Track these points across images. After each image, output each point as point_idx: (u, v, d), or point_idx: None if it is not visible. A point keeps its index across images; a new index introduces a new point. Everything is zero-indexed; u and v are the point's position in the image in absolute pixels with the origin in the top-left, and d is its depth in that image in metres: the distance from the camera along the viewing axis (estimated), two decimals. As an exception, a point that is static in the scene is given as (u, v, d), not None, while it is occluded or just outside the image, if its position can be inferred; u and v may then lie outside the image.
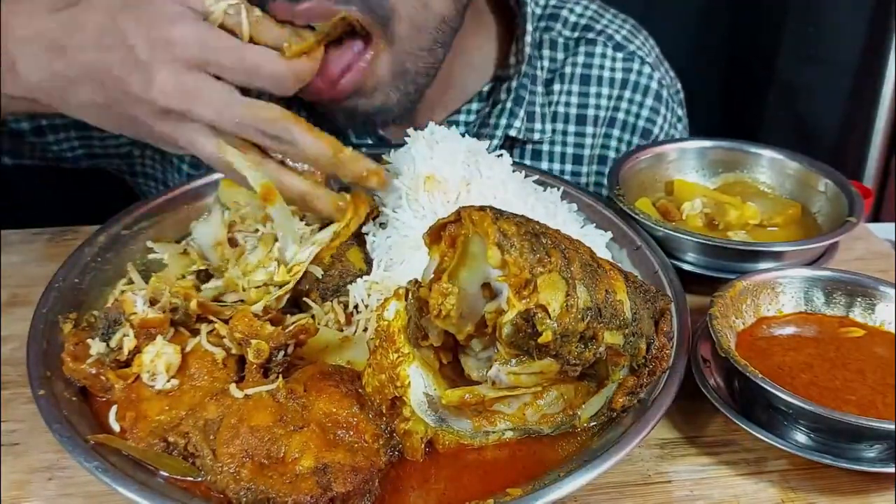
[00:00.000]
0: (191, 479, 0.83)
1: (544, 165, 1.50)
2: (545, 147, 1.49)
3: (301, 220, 1.12)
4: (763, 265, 1.14)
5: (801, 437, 0.93)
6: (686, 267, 1.18)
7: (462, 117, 1.47)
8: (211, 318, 0.99)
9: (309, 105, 1.32)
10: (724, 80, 2.56)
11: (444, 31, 1.25)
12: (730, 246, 1.18)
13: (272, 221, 1.08)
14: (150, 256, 1.16)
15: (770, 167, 1.37)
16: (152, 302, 0.97)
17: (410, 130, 1.22)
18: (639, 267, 1.15)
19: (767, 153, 1.37)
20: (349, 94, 1.21)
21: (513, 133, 1.44)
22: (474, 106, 1.48)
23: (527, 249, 0.79)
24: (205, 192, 1.26)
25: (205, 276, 1.08)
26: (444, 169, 1.14)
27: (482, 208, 0.81)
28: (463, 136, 1.39)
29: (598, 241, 1.18)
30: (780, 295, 1.06)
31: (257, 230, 1.11)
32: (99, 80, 1.00)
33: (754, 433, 0.91)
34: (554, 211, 1.19)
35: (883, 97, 2.36)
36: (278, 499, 0.78)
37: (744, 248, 1.18)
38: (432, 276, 0.85)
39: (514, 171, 1.20)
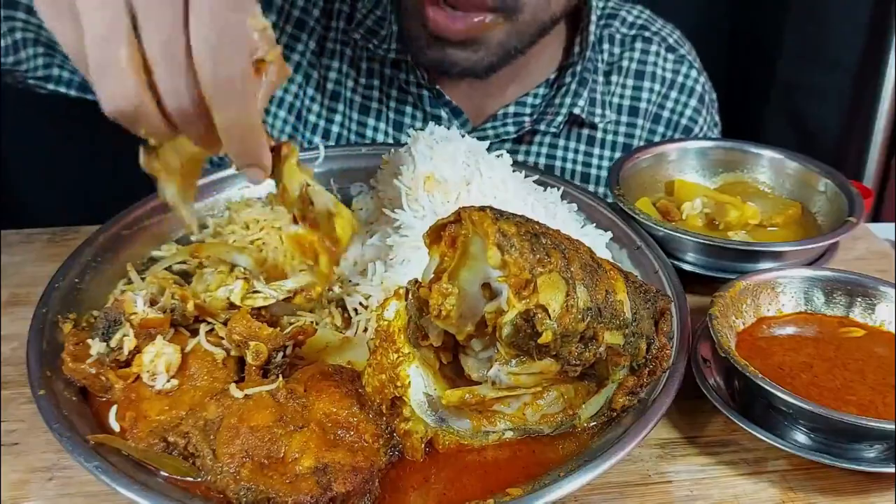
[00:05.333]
0: (191, 479, 0.83)
1: (596, 151, 1.60)
2: (599, 134, 1.59)
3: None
4: (763, 265, 1.14)
5: (801, 437, 0.93)
6: (686, 267, 1.18)
7: (529, 100, 1.57)
8: (209, 319, 0.99)
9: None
10: (725, 80, 2.56)
11: (548, 26, 1.39)
12: (730, 246, 1.18)
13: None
14: (152, 254, 1.17)
15: (770, 167, 1.37)
16: (152, 302, 0.97)
17: (411, 131, 1.22)
18: (639, 267, 1.15)
19: (767, 153, 1.38)
20: (457, 38, 1.31)
21: (577, 111, 1.54)
22: (541, 91, 1.57)
23: (527, 250, 0.79)
24: (204, 192, 1.26)
25: (183, 275, 1.09)
26: (444, 169, 1.14)
27: (482, 208, 0.81)
28: (531, 115, 1.51)
29: (598, 241, 1.18)
30: (780, 295, 1.06)
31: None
32: None
33: (754, 433, 0.91)
34: (554, 211, 1.19)
35: (883, 97, 2.36)
36: (278, 499, 0.78)
37: (744, 248, 1.18)
38: (432, 276, 0.85)
39: (514, 171, 1.20)
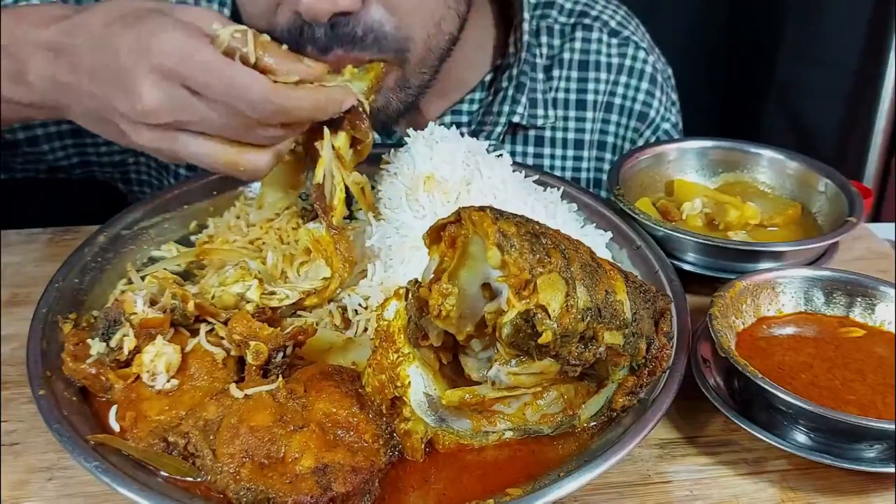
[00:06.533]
0: (191, 479, 0.83)
1: (547, 151, 1.53)
2: (547, 133, 1.52)
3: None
4: (763, 265, 1.14)
5: (801, 437, 0.93)
6: (686, 267, 1.18)
7: (465, 107, 1.50)
8: (209, 318, 0.99)
9: None
10: (724, 80, 2.56)
11: (448, 47, 1.27)
12: (730, 246, 1.18)
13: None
14: (152, 254, 1.17)
15: (770, 167, 1.37)
16: (152, 302, 0.97)
17: (411, 130, 1.22)
18: (639, 267, 1.15)
19: (767, 153, 1.38)
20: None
21: (516, 119, 1.46)
22: (477, 95, 1.50)
23: (527, 250, 0.79)
24: (204, 193, 1.26)
25: (183, 275, 1.09)
26: (443, 169, 1.14)
27: (482, 208, 0.81)
28: (468, 124, 1.40)
29: (598, 241, 1.18)
30: (780, 295, 1.06)
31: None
32: (90, 89, 0.97)
33: (754, 433, 0.91)
34: (554, 211, 1.19)
35: (883, 97, 2.36)
36: (278, 499, 0.78)
37: (744, 248, 1.18)
38: (432, 276, 0.85)
39: (514, 171, 1.20)
